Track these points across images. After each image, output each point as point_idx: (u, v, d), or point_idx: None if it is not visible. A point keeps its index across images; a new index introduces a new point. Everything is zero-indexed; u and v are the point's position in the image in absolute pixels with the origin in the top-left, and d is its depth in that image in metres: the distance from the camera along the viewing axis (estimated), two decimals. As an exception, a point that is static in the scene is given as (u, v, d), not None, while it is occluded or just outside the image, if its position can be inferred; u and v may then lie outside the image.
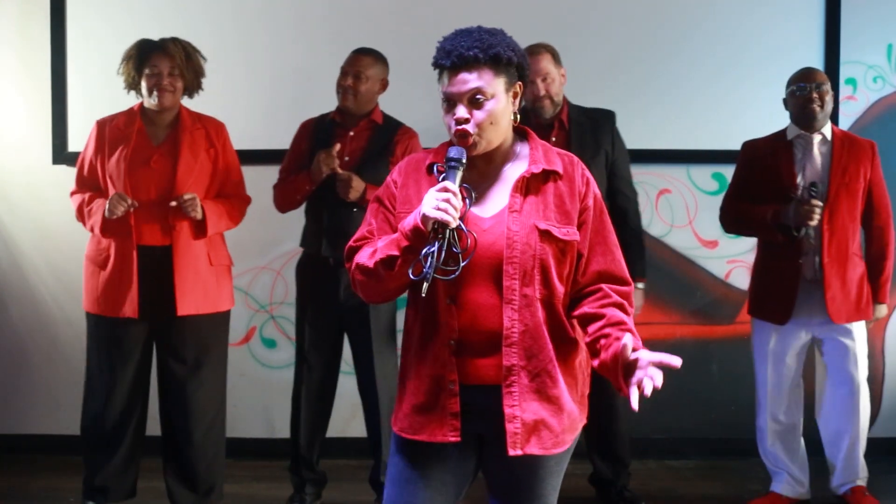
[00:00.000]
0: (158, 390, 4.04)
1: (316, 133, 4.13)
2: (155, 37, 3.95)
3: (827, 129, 4.11)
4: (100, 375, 3.94)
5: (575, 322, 2.37)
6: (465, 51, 2.25)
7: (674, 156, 4.87)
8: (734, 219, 4.22)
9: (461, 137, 2.27)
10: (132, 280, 3.82)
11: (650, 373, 2.13)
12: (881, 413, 5.05)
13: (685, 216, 4.90)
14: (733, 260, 4.91)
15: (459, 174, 2.24)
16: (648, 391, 2.09)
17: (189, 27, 4.80)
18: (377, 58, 4.10)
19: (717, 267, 4.93)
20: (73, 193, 4.03)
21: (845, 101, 4.93)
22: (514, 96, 2.34)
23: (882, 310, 4.19)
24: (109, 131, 3.91)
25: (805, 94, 4.05)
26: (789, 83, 4.15)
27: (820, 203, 3.92)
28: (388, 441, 4.15)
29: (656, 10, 4.89)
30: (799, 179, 4.04)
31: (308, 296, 4.14)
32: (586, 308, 2.32)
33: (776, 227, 4.00)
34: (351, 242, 2.41)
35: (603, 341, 2.26)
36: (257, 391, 4.94)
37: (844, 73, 4.90)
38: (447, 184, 2.20)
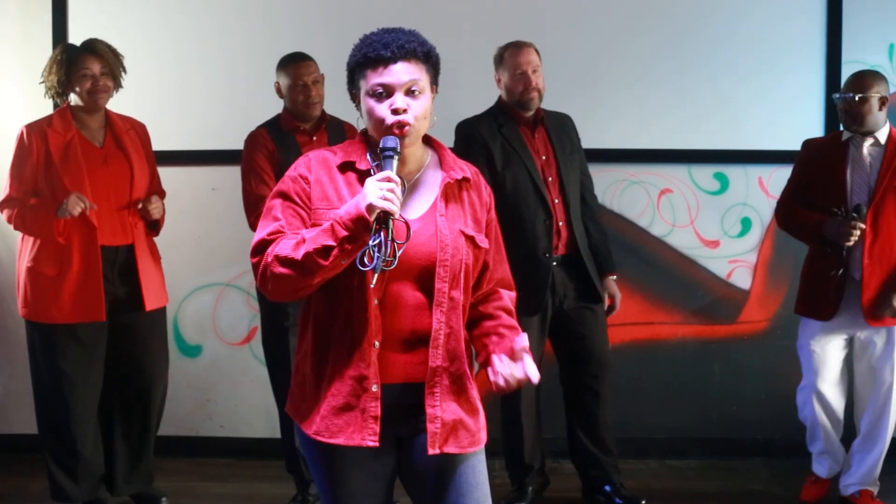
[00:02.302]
0: (111, 389, 4.10)
1: (279, 143, 4.05)
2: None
3: (882, 132, 4.08)
4: (57, 382, 3.96)
5: None
6: (406, 43, 2.27)
7: (675, 155, 4.87)
8: (786, 219, 4.23)
9: (399, 127, 2.26)
10: (99, 283, 3.87)
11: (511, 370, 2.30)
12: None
13: (686, 216, 4.90)
14: (735, 260, 4.91)
15: (395, 162, 2.23)
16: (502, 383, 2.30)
17: (192, 25, 4.82)
18: (314, 59, 4.13)
19: (718, 267, 4.92)
20: (5, 201, 3.95)
21: (847, 101, 4.92)
22: (432, 96, 2.35)
23: None
24: (51, 136, 3.90)
25: (843, 105, 4.05)
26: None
27: (862, 225, 3.91)
28: None
29: (657, 8, 4.88)
30: (848, 181, 4.04)
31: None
32: (483, 308, 2.45)
33: (820, 240, 4.02)
34: (264, 236, 2.29)
35: (495, 338, 2.39)
36: (258, 391, 4.92)
37: (846, 72, 4.84)
38: (390, 173, 2.19)
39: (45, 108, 4.88)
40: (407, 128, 2.26)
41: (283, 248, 2.22)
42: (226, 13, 4.90)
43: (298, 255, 2.18)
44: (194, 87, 4.86)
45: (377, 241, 2.15)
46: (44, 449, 4.06)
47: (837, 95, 4.10)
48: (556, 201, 4.09)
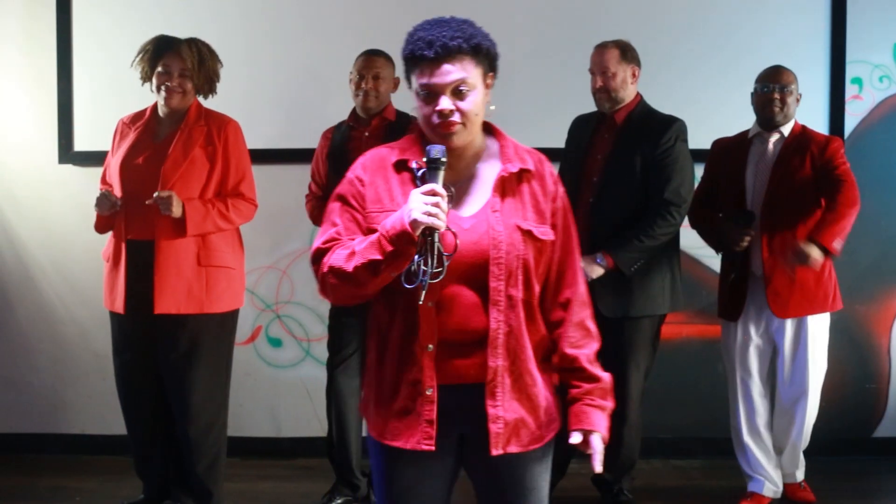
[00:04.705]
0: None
1: (334, 139, 4.21)
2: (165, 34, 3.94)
3: (787, 127, 4.13)
4: (116, 370, 3.96)
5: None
6: (449, 41, 2.20)
7: (679, 155, 4.85)
8: (694, 221, 4.30)
9: (446, 129, 2.23)
10: (121, 274, 3.81)
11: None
12: (887, 412, 5.02)
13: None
14: (739, 259, 4.90)
15: (441, 174, 2.18)
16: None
17: (196, 26, 4.80)
18: (388, 58, 4.17)
19: (722, 266, 4.91)
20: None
21: (851, 101, 4.93)
22: (487, 87, 2.30)
23: (814, 250, 3.89)
24: (121, 128, 3.96)
25: (767, 94, 4.09)
26: (756, 80, 4.18)
27: (750, 232, 3.99)
28: None
29: (659, 9, 4.89)
30: (748, 179, 4.10)
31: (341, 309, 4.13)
32: (563, 345, 2.35)
33: (717, 244, 4.19)
34: (319, 244, 2.29)
35: (571, 390, 2.36)
36: (263, 390, 4.94)
37: (850, 72, 4.90)
38: (435, 186, 2.14)
39: (51, 107, 4.92)
40: (454, 127, 2.23)
41: (337, 259, 2.23)
42: (227, 12, 4.91)
43: (349, 267, 2.19)
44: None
45: (423, 258, 2.13)
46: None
47: (757, 86, 4.13)
48: (591, 201, 4.07)
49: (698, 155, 4.86)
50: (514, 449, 2.28)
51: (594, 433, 2.29)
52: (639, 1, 4.88)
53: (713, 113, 4.84)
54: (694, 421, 4.95)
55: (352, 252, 2.20)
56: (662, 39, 4.85)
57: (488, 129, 2.38)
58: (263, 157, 4.54)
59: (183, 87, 3.86)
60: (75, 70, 4.92)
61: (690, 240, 4.87)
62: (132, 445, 4.01)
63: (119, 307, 3.83)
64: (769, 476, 4.22)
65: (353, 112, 4.21)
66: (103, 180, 3.99)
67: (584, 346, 2.35)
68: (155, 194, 3.71)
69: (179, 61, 3.85)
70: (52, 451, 4.92)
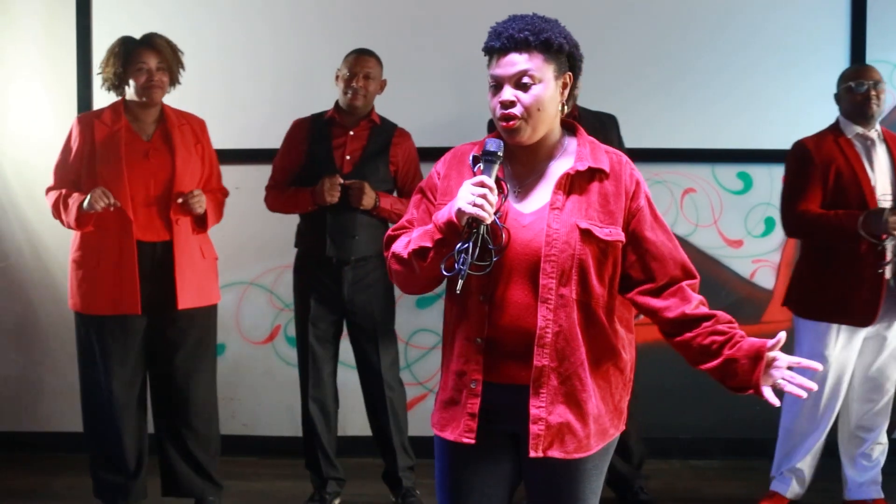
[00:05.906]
0: (152, 385, 4.03)
1: (312, 132, 4.15)
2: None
3: (877, 124, 4.08)
4: (99, 375, 3.92)
5: (618, 327, 2.31)
6: (517, 33, 2.21)
7: (699, 155, 4.85)
8: (811, 225, 3.98)
9: (506, 121, 2.22)
10: (134, 277, 3.80)
11: (789, 376, 2.16)
12: (899, 414, 5.01)
13: (710, 216, 4.89)
14: (758, 259, 4.90)
15: (496, 168, 2.19)
16: (801, 392, 2.15)
17: (217, 23, 4.84)
18: (378, 59, 4.17)
19: (742, 266, 4.91)
20: (49, 190, 3.98)
21: (871, 101, 4.91)
22: (564, 87, 2.28)
23: None
24: (97, 128, 3.88)
25: (863, 92, 3.97)
26: (844, 79, 4.07)
27: None
28: (396, 437, 4.16)
29: (682, 10, 4.88)
30: (872, 180, 3.94)
31: (311, 295, 4.14)
32: (685, 309, 2.26)
33: (862, 235, 3.84)
34: (390, 231, 2.41)
35: (719, 338, 2.24)
36: (281, 389, 4.94)
37: (870, 72, 4.88)
38: (483, 178, 2.16)
39: (70, 105, 4.93)
40: (514, 122, 2.22)
41: (398, 245, 2.32)
42: (248, 10, 4.92)
43: (405, 253, 2.27)
44: (215, 87, 4.87)
45: (464, 247, 2.14)
46: (86, 444, 4.05)
47: (850, 84, 4.00)
48: None
49: (719, 155, 4.86)
50: (555, 454, 2.24)
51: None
52: (661, 5, 4.86)
53: (735, 114, 4.83)
54: (712, 421, 4.94)
55: (410, 240, 2.27)
56: (683, 43, 4.85)
57: (571, 129, 2.38)
58: (264, 156, 4.53)
59: (162, 81, 3.90)
60: (95, 69, 4.92)
61: (710, 239, 4.89)
62: (118, 448, 3.97)
63: (134, 308, 3.82)
64: (804, 478, 4.18)
65: (337, 109, 4.16)
66: (59, 177, 3.94)
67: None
68: (194, 192, 3.82)
69: (156, 55, 3.88)
70: (69, 449, 4.93)
